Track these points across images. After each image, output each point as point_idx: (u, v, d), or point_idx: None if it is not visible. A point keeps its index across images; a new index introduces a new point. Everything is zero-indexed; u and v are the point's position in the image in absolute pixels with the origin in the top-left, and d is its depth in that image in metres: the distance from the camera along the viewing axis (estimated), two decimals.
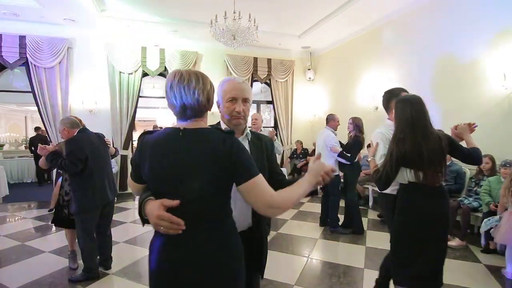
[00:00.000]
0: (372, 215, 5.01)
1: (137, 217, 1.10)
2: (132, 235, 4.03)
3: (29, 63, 5.72)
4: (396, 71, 5.42)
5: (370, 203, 5.48)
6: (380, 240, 3.75)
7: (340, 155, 4.01)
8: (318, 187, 5.16)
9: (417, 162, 1.77)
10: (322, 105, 7.72)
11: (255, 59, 7.44)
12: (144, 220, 1.08)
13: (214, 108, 1.18)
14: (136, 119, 6.83)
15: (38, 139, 7.72)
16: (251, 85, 7.15)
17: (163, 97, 1.10)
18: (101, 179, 2.79)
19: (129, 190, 1.27)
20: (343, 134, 4.64)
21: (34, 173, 8.59)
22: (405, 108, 1.83)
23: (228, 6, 4.47)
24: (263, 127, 4.30)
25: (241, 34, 4.58)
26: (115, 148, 3.37)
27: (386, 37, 5.65)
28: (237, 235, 1.13)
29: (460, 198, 3.87)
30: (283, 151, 7.76)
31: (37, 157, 7.50)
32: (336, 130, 4.26)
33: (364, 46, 6.23)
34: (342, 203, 4.27)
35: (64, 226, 2.99)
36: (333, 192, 4.17)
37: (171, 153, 1.04)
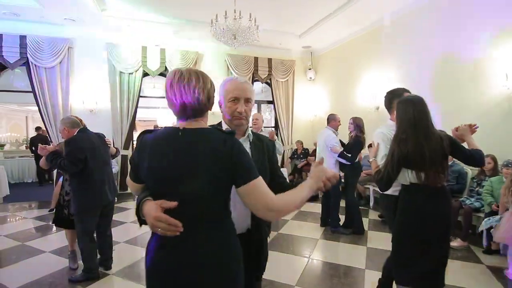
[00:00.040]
0: (373, 215, 4.99)
1: None
2: (133, 235, 4.04)
3: (30, 63, 5.73)
4: (397, 71, 5.40)
5: (371, 203, 5.46)
6: (381, 241, 3.73)
7: (341, 155, 4.00)
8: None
9: (418, 162, 1.76)
10: (323, 105, 7.71)
11: (256, 58, 7.43)
12: (142, 221, 1.07)
13: (215, 107, 1.17)
14: (136, 119, 6.82)
15: (39, 139, 7.73)
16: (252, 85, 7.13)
17: (164, 97, 1.08)
18: (101, 179, 2.78)
19: (130, 190, 1.26)
20: (344, 134, 4.63)
21: (34, 173, 8.60)
22: (407, 108, 1.82)
23: (229, 5, 4.46)
24: (264, 127, 4.27)
25: (242, 34, 4.57)
26: (115, 148, 3.36)
27: (386, 37, 5.63)
28: (236, 237, 1.11)
29: (462, 199, 3.85)
30: (284, 151, 7.75)
31: (37, 157, 7.50)
32: (337, 130, 4.25)
33: (364, 46, 6.22)
34: (342, 203, 4.26)
35: (64, 227, 2.98)
36: (334, 192, 4.16)
37: (171, 153, 1.02)
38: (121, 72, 6.33)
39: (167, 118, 10.27)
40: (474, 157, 1.85)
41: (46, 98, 5.86)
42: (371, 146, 2.18)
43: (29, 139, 9.80)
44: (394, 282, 2.23)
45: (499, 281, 2.73)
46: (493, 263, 3.09)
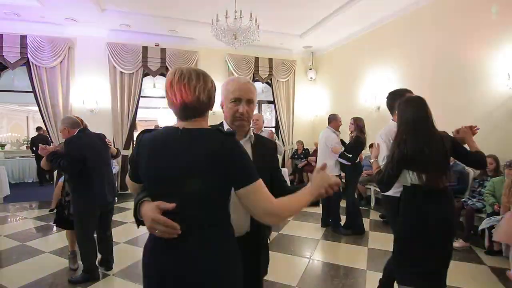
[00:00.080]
0: (374, 215, 4.98)
1: None
2: (133, 235, 4.02)
3: (30, 63, 5.73)
4: (397, 71, 5.39)
5: (372, 204, 5.44)
6: (382, 241, 3.71)
7: (341, 156, 3.98)
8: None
9: (419, 163, 1.75)
10: (324, 105, 7.69)
11: (257, 58, 7.42)
12: (139, 222, 1.05)
13: (215, 108, 1.15)
14: (137, 119, 6.82)
15: (40, 139, 7.73)
16: None
17: (164, 97, 1.07)
18: (100, 180, 2.77)
19: (129, 189, 1.25)
20: (345, 134, 4.61)
21: (35, 173, 8.61)
22: (408, 109, 1.81)
23: (229, 5, 4.45)
24: (264, 127, 4.26)
25: (243, 34, 4.56)
26: (116, 149, 3.35)
27: (387, 37, 5.62)
28: (234, 239, 1.09)
29: (464, 199, 3.83)
30: (284, 151, 7.73)
31: (38, 157, 7.49)
32: (338, 130, 4.23)
33: (365, 46, 6.20)
34: (343, 204, 4.24)
35: (65, 227, 2.97)
36: (334, 192, 4.13)
37: (169, 154, 1.01)
38: (121, 72, 6.33)
39: (167, 118, 10.26)
40: (477, 160, 1.83)
41: (47, 98, 5.86)
42: (373, 146, 2.18)
43: (29, 139, 9.80)
44: (395, 282, 2.23)
45: (501, 282, 2.71)
46: (495, 264, 3.06)
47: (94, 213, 2.77)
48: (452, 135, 1.96)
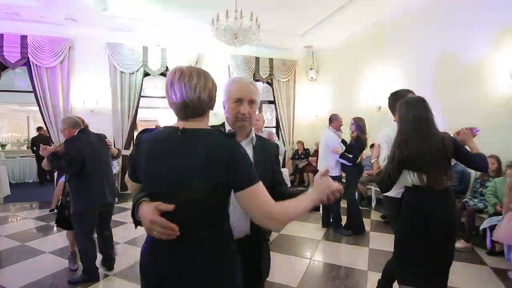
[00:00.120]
0: (375, 216, 4.96)
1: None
2: (133, 235, 4.01)
3: (31, 63, 5.73)
4: (398, 70, 5.37)
5: (373, 204, 5.43)
6: (383, 242, 3.70)
7: (342, 156, 3.97)
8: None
9: (419, 164, 1.74)
10: (324, 105, 7.67)
11: (257, 58, 7.41)
12: (137, 222, 1.04)
13: (216, 108, 1.14)
14: (137, 119, 6.82)
15: (40, 139, 7.74)
16: None
17: (165, 97, 1.06)
18: (100, 181, 2.76)
19: (128, 189, 1.24)
20: (346, 135, 4.60)
21: (35, 173, 8.61)
22: (408, 109, 1.81)
23: (230, 5, 4.44)
24: (265, 127, 4.24)
25: (243, 34, 4.55)
26: (117, 149, 3.35)
27: (388, 36, 5.60)
28: (233, 242, 1.07)
29: (465, 199, 3.81)
30: (285, 151, 7.72)
31: (38, 157, 7.50)
32: (339, 130, 4.22)
33: (366, 46, 6.18)
34: (343, 204, 4.23)
35: (65, 227, 2.96)
36: None
37: (168, 154, 0.99)
38: (122, 72, 6.32)
39: (168, 118, 10.25)
40: (478, 162, 1.81)
41: (47, 98, 5.85)
42: (373, 147, 2.17)
43: (30, 139, 9.81)
44: (394, 283, 2.22)
45: (503, 283, 2.70)
46: (497, 265, 3.05)
47: (94, 213, 2.76)
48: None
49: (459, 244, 3.44)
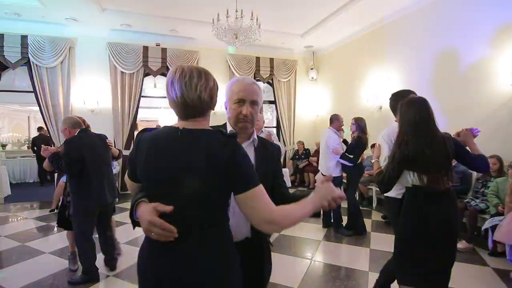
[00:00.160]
0: (376, 216, 4.95)
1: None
2: (134, 236, 3.99)
3: (31, 63, 5.73)
4: (398, 70, 5.36)
5: (374, 204, 5.41)
6: (384, 242, 3.68)
7: (343, 156, 3.96)
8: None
9: (420, 164, 1.74)
10: (325, 105, 7.66)
11: (258, 58, 7.40)
12: (135, 223, 1.02)
13: (216, 108, 1.12)
14: (138, 119, 6.82)
15: (41, 139, 7.74)
16: None
17: (165, 97, 1.04)
18: (100, 181, 2.75)
19: (128, 188, 1.23)
20: (347, 135, 4.59)
21: (36, 173, 8.60)
22: (409, 110, 1.80)
23: (231, 4, 4.43)
24: (265, 127, 4.23)
25: (244, 33, 4.54)
26: (118, 149, 3.34)
27: (388, 36, 5.59)
28: (233, 244, 1.06)
29: (467, 200, 3.80)
30: (285, 151, 7.71)
31: (39, 157, 7.50)
32: (340, 130, 4.21)
33: (367, 45, 6.17)
34: (344, 204, 4.22)
35: (65, 227, 2.96)
36: None
37: (168, 153, 0.98)
38: (122, 71, 6.32)
39: (168, 118, 10.25)
40: (479, 163, 1.80)
41: (47, 98, 5.85)
42: (374, 147, 2.17)
43: (31, 139, 9.81)
44: (393, 283, 2.21)
45: (505, 284, 2.69)
46: (499, 266, 3.03)
47: (93, 213, 2.75)
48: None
49: (461, 244, 3.42)
